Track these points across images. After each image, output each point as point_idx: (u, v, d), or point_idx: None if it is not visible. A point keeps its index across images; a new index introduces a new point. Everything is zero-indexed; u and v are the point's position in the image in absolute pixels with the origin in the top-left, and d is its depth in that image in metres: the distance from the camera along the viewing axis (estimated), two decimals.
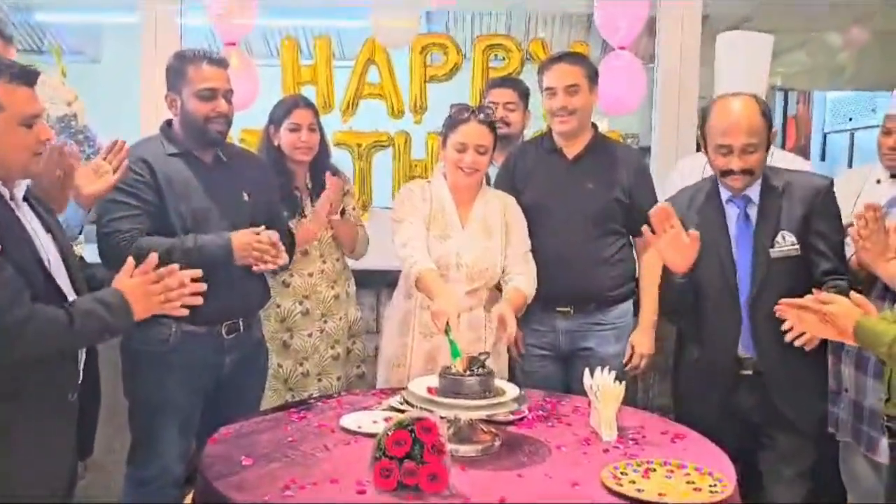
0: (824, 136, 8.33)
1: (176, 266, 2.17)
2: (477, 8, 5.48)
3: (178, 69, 2.80)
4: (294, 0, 4.98)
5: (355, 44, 4.30)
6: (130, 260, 2.17)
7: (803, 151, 8.22)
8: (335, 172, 3.36)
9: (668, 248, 2.74)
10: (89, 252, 2.78)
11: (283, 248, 2.79)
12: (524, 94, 3.74)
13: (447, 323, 2.55)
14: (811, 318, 2.23)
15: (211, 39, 4.50)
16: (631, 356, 3.19)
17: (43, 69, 2.21)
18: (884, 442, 2.52)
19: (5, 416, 2.01)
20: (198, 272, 2.21)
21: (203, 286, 2.20)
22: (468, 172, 2.90)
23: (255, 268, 2.78)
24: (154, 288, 2.13)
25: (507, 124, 3.64)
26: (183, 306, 2.19)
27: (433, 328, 2.81)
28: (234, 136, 3.85)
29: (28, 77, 2.06)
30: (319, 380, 3.30)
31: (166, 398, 2.78)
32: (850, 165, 6.87)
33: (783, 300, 2.30)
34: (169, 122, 2.87)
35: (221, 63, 2.83)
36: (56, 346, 2.04)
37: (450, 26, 5.54)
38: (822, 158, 8.29)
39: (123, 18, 4.80)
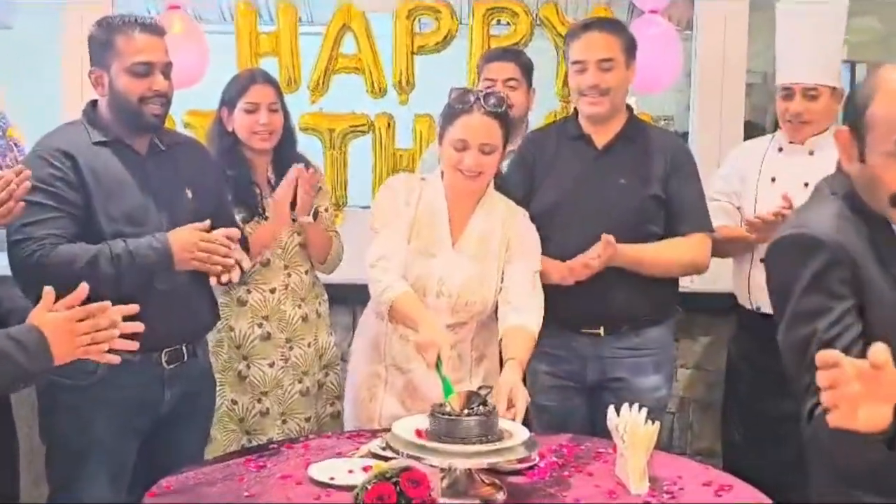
0: None
1: (108, 303, 2.17)
2: None
3: (104, 40, 2.80)
4: None
5: (328, 6, 4.34)
6: (49, 290, 2.16)
7: None
8: (307, 165, 3.38)
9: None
10: None
11: (238, 247, 2.80)
12: (528, 70, 3.76)
13: (438, 357, 2.57)
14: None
15: (151, 3, 4.52)
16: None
17: None
18: None
19: None
20: (134, 308, 2.21)
21: (140, 326, 2.21)
22: (469, 176, 2.87)
23: (212, 279, 2.80)
24: (80, 327, 2.13)
25: (509, 105, 3.66)
26: (112, 351, 2.19)
27: (411, 360, 2.87)
28: (176, 118, 3.90)
29: None
30: (284, 421, 3.32)
31: (92, 441, 2.78)
32: None
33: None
34: (94, 104, 2.88)
35: (157, 30, 2.84)
36: None
37: None
38: None
39: None
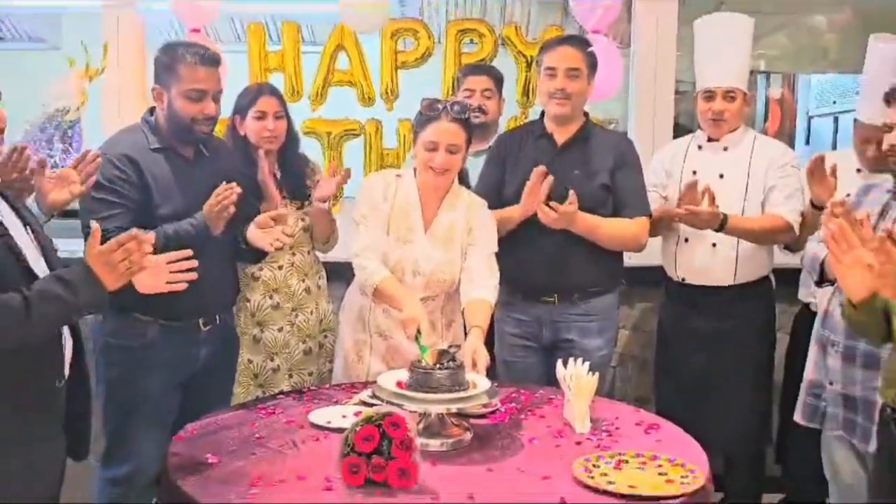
0: (808, 121, 8.43)
1: (135, 232, 2.17)
2: None
3: (167, 64, 2.80)
4: None
5: (325, 29, 4.30)
6: (96, 227, 2.17)
7: (789, 135, 8.32)
8: (306, 163, 3.42)
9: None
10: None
11: (235, 187, 2.79)
12: (499, 81, 3.79)
13: (418, 330, 2.59)
14: (866, 256, 2.11)
15: (177, 25, 4.50)
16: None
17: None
18: (873, 430, 2.55)
19: None
20: (187, 252, 2.27)
21: (195, 263, 2.26)
22: (438, 172, 2.87)
23: (269, 247, 2.85)
24: (115, 255, 2.12)
25: (484, 112, 3.68)
26: (178, 284, 2.27)
27: (392, 329, 2.90)
28: None
29: None
30: (290, 376, 3.32)
31: (143, 395, 2.81)
32: (834, 149, 6.95)
33: (836, 208, 2.23)
34: (152, 111, 2.89)
35: (214, 62, 2.83)
36: (14, 332, 2.01)
37: (423, 10, 5.55)
38: (807, 143, 8.39)
39: (84, 3, 4.78)
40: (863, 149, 3.31)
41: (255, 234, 2.90)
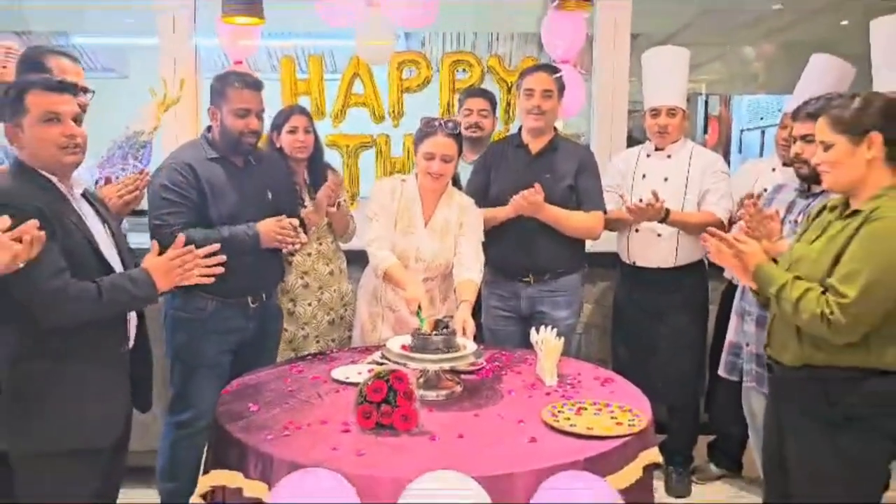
0: (741, 134, 8.45)
1: (192, 247, 2.22)
2: (448, 28, 5.50)
3: (219, 89, 2.84)
4: (291, 24, 4.96)
5: (344, 59, 4.29)
6: (155, 243, 2.24)
7: (725, 146, 8.34)
8: (331, 169, 3.43)
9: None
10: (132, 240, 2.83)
11: (301, 230, 2.86)
12: (494, 103, 3.82)
13: (418, 306, 2.62)
14: (727, 251, 2.23)
15: (223, 58, 4.51)
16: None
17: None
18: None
19: (66, 369, 2.08)
20: (216, 247, 2.25)
21: (222, 258, 2.25)
22: (435, 177, 2.89)
23: (283, 249, 2.86)
24: (173, 263, 2.18)
25: (481, 128, 3.70)
26: (207, 278, 2.24)
27: (399, 304, 2.91)
28: None
29: (50, 85, 2.13)
30: (318, 341, 3.34)
31: (202, 357, 2.84)
32: (761, 156, 6.99)
33: (710, 229, 2.29)
34: (209, 128, 2.91)
35: (257, 86, 2.86)
36: (88, 313, 2.07)
37: (425, 43, 5.55)
38: (740, 151, 8.41)
39: (146, 41, 4.78)
40: (780, 133, 3.34)
41: (276, 237, 2.85)
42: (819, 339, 2.05)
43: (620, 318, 3.59)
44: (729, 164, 6.76)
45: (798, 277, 2.09)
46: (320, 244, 3.36)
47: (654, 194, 3.18)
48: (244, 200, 2.83)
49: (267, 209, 2.85)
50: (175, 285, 2.21)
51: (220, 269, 2.25)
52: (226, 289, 2.35)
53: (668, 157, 3.42)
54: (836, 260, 2.02)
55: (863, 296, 1.94)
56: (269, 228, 2.79)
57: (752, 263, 2.19)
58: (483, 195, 3.24)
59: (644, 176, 3.41)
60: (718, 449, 3.67)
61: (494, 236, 3.14)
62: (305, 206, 3.28)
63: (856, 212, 2.08)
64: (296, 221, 2.85)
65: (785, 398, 2.21)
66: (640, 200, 3.21)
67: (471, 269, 2.89)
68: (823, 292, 2.02)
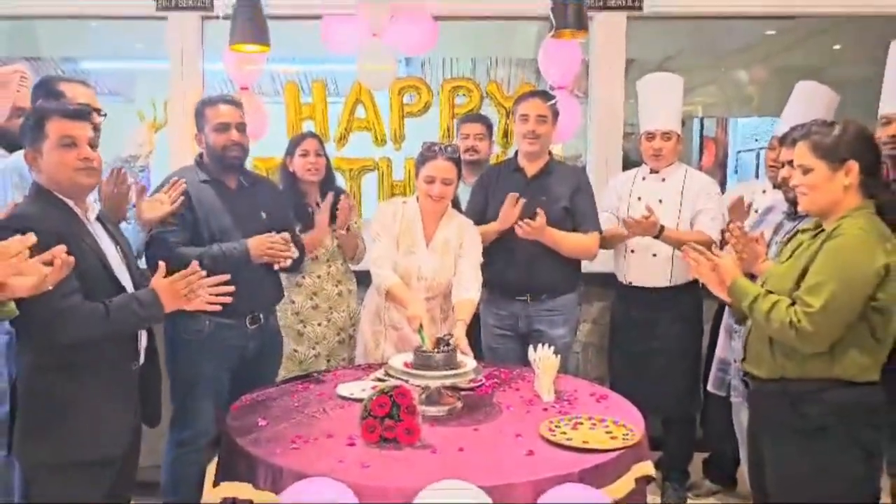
0: (737, 155, 8.54)
1: (198, 269, 2.27)
2: (448, 54, 5.57)
3: (200, 111, 2.94)
4: (295, 50, 5.07)
5: (347, 84, 4.38)
6: (162, 265, 2.29)
7: (721, 167, 8.42)
8: (344, 194, 3.51)
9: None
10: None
11: (291, 244, 2.89)
12: (490, 128, 3.91)
13: (420, 324, 2.67)
14: (705, 264, 2.32)
15: (229, 84, 4.60)
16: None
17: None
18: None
19: (79, 383, 2.16)
20: (225, 276, 2.31)
21: (231, 288, 2.31)
22: (436, 199, 2.95)
23: (275, 266, 2.88)
24: (179, 285, 2.24)
25: (477, 152, 3.79)
26: (214, 304, 2.30)
27: (402, 323, 2.95)
28: (247, 163, 3.98)
29: (67, 113, 2.22)
30: (328, 360, 3.39)
31: (201, 376, 2.88)
32: (756, 177, 7.07)
33: (690, 244, 2.39)
34: (200, 155, 2.99)
35: (233, 101, 2.96)
36: (97, 331, 2.14)
37: (425, 69, 5.64)
38: (736, 172, 8.50)
39: (154, 65, 4.86)
40: (769, 154, 3.45)
41: (266, 252, 2.88)
42: (790, 351, 2.14)
43: (617, 336, 3.65)
44: (725, 184, 6.84)
45: (770, 292, 2.18)
46: (330, 266, 3.43)
47: (649, 209, 3.26)
48: (237, 221, 2.87)
49: (261, 229, 2.88)
50: (181, 307, 2.27)
51: (228, 299, 2.31)
52: (223, 309, 2.39)
53: (663, 179, 3.50)
54: (803, 274, 2.12)
55: (827, 305, 2.04)
56: (258, 242, 2.82)
57: (728, 277, 2.28)
58: (481, 216, 3.31)
59: (639, 198, 3.48)
60: (713, 465, 3.72)
61: (493, 256, 3.21)
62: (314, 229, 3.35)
63: (822, 230, 2.18)
64: (287, 235, 2.89)
65: (761, 410, 2.30)
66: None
67: (469, 289, 2.95)
68: (792, 304, 2.11)
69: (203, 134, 2.92)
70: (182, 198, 2.79)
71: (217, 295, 2.30)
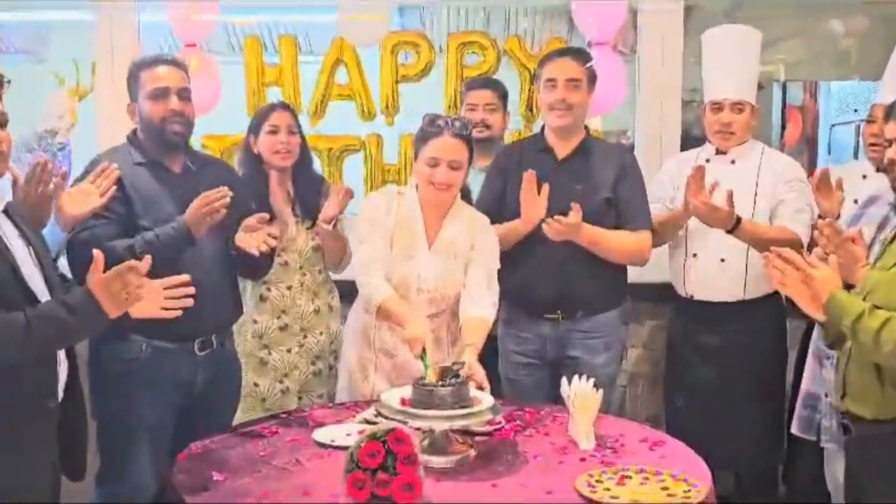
0: (830, 130, 8.53)
1: (134, 261, 2.28)
2: (454, 3, 5.54)
3: (133, 75, 2.97)
4: None
5: (324, 40, 4.42)
6: (98, 254, 2.28)
7: (810, 144, 8.42)
8: (322, 181, 3.56)
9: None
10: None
11: (227, 191, 2.85)
12: (503, 95, 3.91)
13: (423, 348, 2.69)
14: (794, 275, 2.33)
15: (172, 41, 4.61)
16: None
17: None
18: None
19: None
20: (185, 278, 2.36)
21: (191, 289, 2.35)
22: (440, 188, 2.96)
23: (253, 250, 2.89)
24: (115, 284, 2.23)
25: (488, 126, 3.81)
26: (172, 310, 2.34)
27: (397, 347, 2.98)
28: (195, 143, 4.00)
29: None
30: (300, 398, 3.42)
31: (136, 416, 2.90)
32: (856, 158, 7.06)
33: (774, 248, 2.40)
34: (134, 132, 3.02)
35: (174, 62, 2.99)
36: (12, 351, 2.15)
37: (424, 22, 5.64)
38: (829, 152, 8.49)
39: (75, 16, 4.83)
40: (867, 129, 3.46)
41: (242, 237, 2.98)
42: None
43: (675, 366, 3.67)
44: (814, 167, 6.84)
45: (877, 307, 2.20)
46: (304, 274, 3.46)
47: (730, 195, 3.24)
48: (181, 213, 2.89)
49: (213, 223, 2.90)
50: (126, 309, 2.27)
51: (189, 301, 2.36)
52: (164, 329, 2.44)
53: (733, 162, 3.53)
54: None
55: None
56: (192, 208, 2.82)
57: (824, 292, 2.28)
58: (497, 211, 3.33)
59: None
60: None
61: (513, 262, 3.23)
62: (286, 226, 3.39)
63: None
64: (263, 216, 2.93)
65: (866, 460, 2.30)
66: (696, 177, 3.27)
67: (481, 304, 2.97)
68: None
69: (137, 104, 2.96)
70: (113, 188, 2.82)
71: (176, 298, 2.35)
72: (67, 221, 2.78)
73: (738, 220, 3.30)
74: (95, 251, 2.29)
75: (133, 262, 2.28)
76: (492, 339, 3.17)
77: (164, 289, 2.39)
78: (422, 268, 3.03)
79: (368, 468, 2.12)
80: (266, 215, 2.98)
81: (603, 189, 3.33)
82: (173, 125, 2.93)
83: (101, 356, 2.90)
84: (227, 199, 2.84)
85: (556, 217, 3.14)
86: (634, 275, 3.52)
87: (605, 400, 2.81)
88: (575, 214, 3.13)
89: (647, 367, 4.13)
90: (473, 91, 3.92)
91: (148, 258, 2.30)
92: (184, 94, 2.96)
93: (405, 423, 2.32)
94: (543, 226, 3.16)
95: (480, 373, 2.71)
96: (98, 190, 2.81)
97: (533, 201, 3.20)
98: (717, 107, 3.52)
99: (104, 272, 2.25)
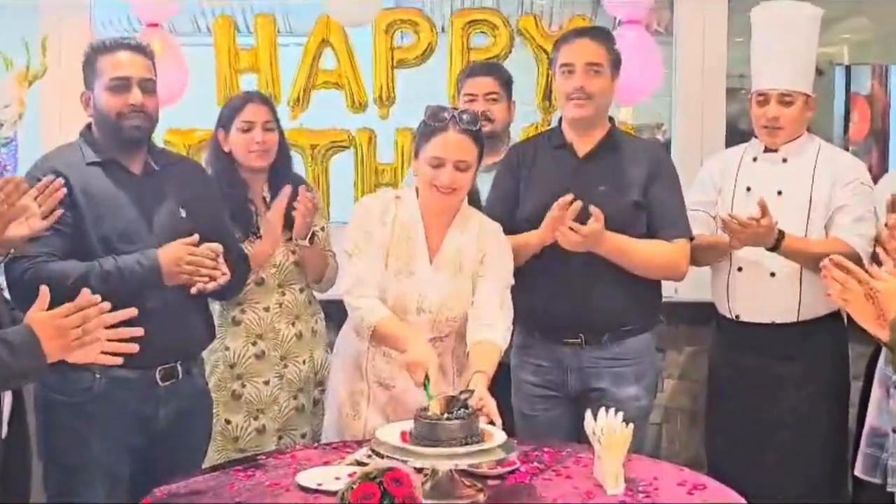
0: None
1: (96, 298, 2.29)
2: None
3: (90, 60, 3.01)
4: None
5: (307, 20, 4.45)
6: (44, 289, 2.31)
7: (880, 140, 8.45)
8: (304, 184, 3.56)
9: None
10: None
11: (222, 261, 2.92)
12: (507, 82, 3.93)
13: (426, 375, 2.72)
14: (857, 288, 2.36)
15: (128, 22, 4.65)
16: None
17: None
18: None
19: None
20: (132, 311, 2.35)
21: (139, 330, 2.34)
22: (445, 193, 2.98)
23: (192, 289, 2.89)
24: (68, 322, 2.25)
25: (490, 119, 3.80)
26: (117, 355, 2.33)
27: (395, 376, 3.01)
28: (157, 139, 4.04)
29: None
30: (280, 437, 3.46)
31: (88, 457, 2.92)
32: None
33: (833, 257, 2.44)
34: (89, 126, 3.06)
35: (138, 48, 3.02)
36: None
37: None
38: None
39: None
40: None
41: (186, 269, 2.91)
42: None
43: (718, 398, 3.70)
44: (886, 167, 6.88)
45: None
46: (283, 294, 3.50)
47: (762, 205, 3.30)
48: (143, 221, 2.94)
49: (180, 234, 2.93)
50: (72, 352, 2.28)
51: (134, 347, 2.34)
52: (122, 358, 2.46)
53: (784, 160, 3.58)
54: None
55: None
56: (174, 255, 2.85)
57: (892, 308, 2.32)
58: (509, 217, 3.36)
59: (749, 189, 3.56)
60: None
61: (528, 278, 3.27)
62: (260, 237, 3.44)
63: None
64: (217, 247, 2.92)
65: None
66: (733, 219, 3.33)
67: (492, 326, 2.98)
68: None
69: (92, 93, 3.00)
70: (59, 211, 2.81)
71: (120, 341, 2.34)
72: (3, 242, 2.73)
73: (781, 235, 3.35)
74: (42, 288, 2.30)
75: (94, 297, 2.29)
76: (503, 368, 3.19)
77: (105, 328, 2.33)
78: (423, 285, 3.06)
79: None
80: (219, 247, 2.93)
81: (632, 191, 3.36)
82: (131, 120, 2.96)
83: (49, 388, 2.93)
84: (220, 273, 2.88)
85: (572, 225, 3.15)
86: (670, 292, 3.57)
87: (637, 438, 2.80)
88: (595, 221, 3.15)
89: (686, 400, 4.17)
90: (472, 79, 3.92)
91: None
92: (147, 86, 3.00)
93: (404, 462, 2.34)
94: (557, 234, 3.18)
95: (491, 404, 2.73)
96: (38, 209, 2.77)
97: (557, 221, 3.19)
98: (763, 98, 3.56)
99: (51, 307, 2.27)
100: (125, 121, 2.95)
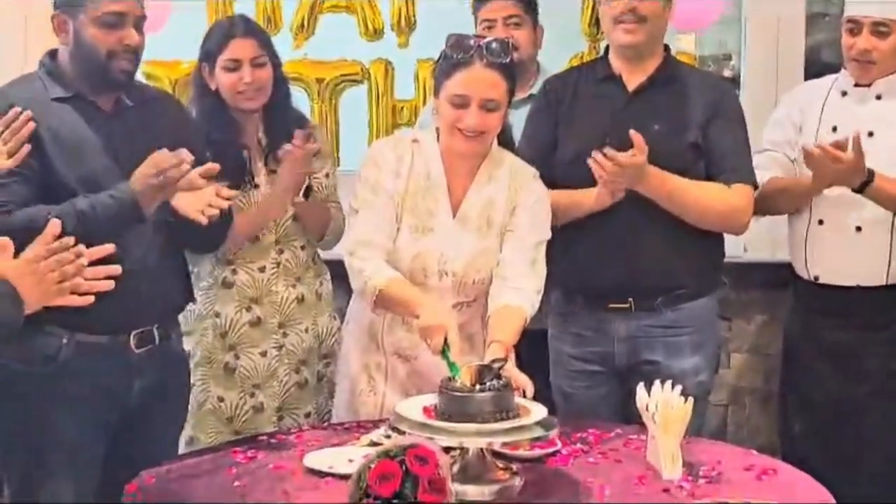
0: None
1: (69, 239, 2.37)
2: None
3: None
4: None
5: None
6: (5, 240, 2.38)
7: None
8: (303, 124, 3.58)
9: None
10: None
11: (186, 156, 2.90)
12: (531, 3, 3.93)
13: (445, 341, 2.76)
14: None
15: None
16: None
17: None
18: None
19: None
20: (110, 248, 2.42)
21: (117, 268, 2.41)
22: (470, 137, 3.01)
23: (198, 216, 2.93)
24: (45, 266, 2.33)
25: (515, 47, 3.70)
26: (84, 298, 2.39)
27: (415, 346, 3.03)
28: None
29: None
30: (280, 417, 3.51)
31: (55, 436, 2.99)
32: None
33: None
34: (53, 54, 3.09)
35: None
36: None
37: None
38: None
39: None
40: None
41: (181, 198, 3.00)
42: None
43: (795, 372, 3.75)
44: None
45: None
46: (281, 252, 3.55)
47: (856, 141, 3.30)
48: (116, 164, 2.99)
49: None
50: (53, 300, 2.37)
51: (110, 283, 2.41)
52: (91, 319, 2.50)
53: (878, 97, 3.61)
54: None
55: None
56: (144, 170, 2.88)
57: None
58: (544, 163, 3.37)
59: (835, 128, 3.58)
60: None
61: (568, 233, 3.32)
62: (257, 186, 3.50)
63: None
64: (212, 168, 2.93)
65: None
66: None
67: (519, 289, 3.03)
68: None
69: (72, 20, 3.01)
70: (27, 147, 2.83)
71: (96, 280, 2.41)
72: None
73: (871, 174, 3.38)
74: (2, 239, 2.38)
75: (67, 238, 2.36)
76: (539, 336, 3.28)
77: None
78: (445, 243, 3.10)
79: (381, 496, 2.19)
80: (216, 166, 2.98)
81: (689, 130, 3.40)
82: (123, 62, 3.01)
83: (9, 356, 2.96)
84: (187, 167, 2.89)
85: (608, 152, 3.13)
86: (738, 251, 3.63)
87: (696, 418, 2.86)
88: (638, 151, 3.16)
89: (757, 378, 4.19)
90: (489, 3, 3.91)
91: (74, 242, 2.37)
92: (140, 24, 3.04)
93: (430, 440, 2.37)
94: (590, 162, 3.16)
95: (521, 376, 2.79)
96: (5, 146, 2.81)
97: (620, 174, 3.19)
98: (855, 26, 3.57)
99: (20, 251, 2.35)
100: (116, 62, 2.99)
